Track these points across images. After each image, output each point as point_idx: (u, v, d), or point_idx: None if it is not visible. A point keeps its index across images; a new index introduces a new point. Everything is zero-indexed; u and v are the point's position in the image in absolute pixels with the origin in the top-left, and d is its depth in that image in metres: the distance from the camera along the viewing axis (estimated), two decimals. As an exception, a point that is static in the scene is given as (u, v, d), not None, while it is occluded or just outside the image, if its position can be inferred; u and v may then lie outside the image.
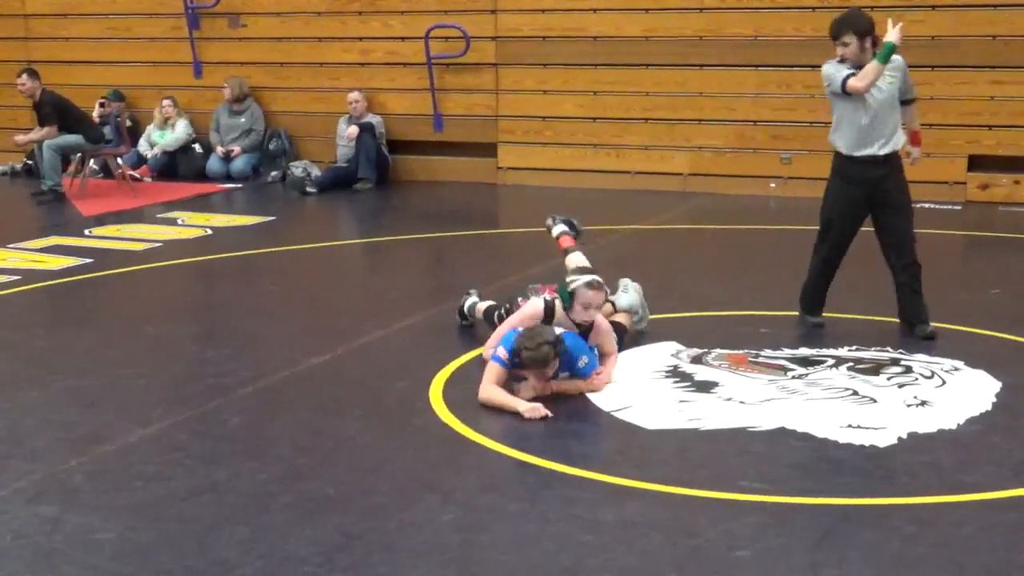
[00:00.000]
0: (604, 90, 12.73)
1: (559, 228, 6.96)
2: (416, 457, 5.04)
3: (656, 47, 12.47)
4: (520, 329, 5.69)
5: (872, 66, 6.34)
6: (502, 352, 5.61)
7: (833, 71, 6.51)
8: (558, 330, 5.67)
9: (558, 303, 5.93)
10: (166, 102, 13.90)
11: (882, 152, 6.50)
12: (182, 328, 7.40)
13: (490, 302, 6.75)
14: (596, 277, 5.84)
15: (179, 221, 10.94)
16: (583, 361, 5.71)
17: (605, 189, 12.49)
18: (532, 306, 6.01)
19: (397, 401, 5.75)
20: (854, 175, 6.58)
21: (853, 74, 6.38)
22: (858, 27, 6.40)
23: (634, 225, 10.45)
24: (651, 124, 12.62)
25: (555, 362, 5.57)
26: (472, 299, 6.90)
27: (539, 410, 5.38)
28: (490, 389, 5.57)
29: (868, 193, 6.58)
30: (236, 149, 13.63)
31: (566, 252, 6.74)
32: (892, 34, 6.31)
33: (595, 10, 12.66)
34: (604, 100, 12.74)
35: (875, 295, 7.69)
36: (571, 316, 5.83)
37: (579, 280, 5.82)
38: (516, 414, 5.40)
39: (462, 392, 5.77)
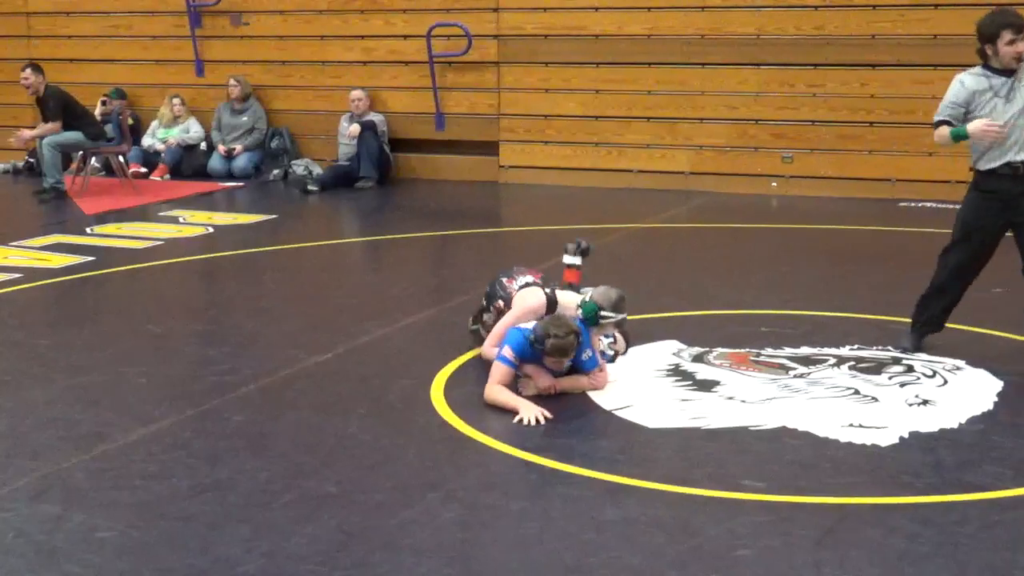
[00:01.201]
0: (606, 88, 12.73)
1: (571, 259, 6.77)
2: (418, 455, 5.04)
3: (658, 45, 12.47)
4: (523, 325, 5.69)
5: (946, 137, 6.10)
6: (508, 352, 5.59)
7: (949, 97, 6.15)
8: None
9: (566, 301, 5.92)
10: (176, 100, 13.90)
11: (1019, 157, 6.01)
12: (184, 326, 7.40)
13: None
14: (625, 315, 5.90)
15: (181, 219, 10.94)
16: (587, 354, 5.70)
17: (606, 188, 12.49)
18: (534, 299, 6.00)
19: (399, 399, 5.74)
20: (989, 187, 6.13)
21: (947, 123, 6.10)
22: None
23: (635, 224, 10.45)
24: (653, 123, 12.62)
25: (573, 353, 5.60)
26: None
27: (539, 415, 5.34)
28: (495, 389, 5.56)
29: (1006, 205, 6.10)
30: (238, 148, 13.64)
31: (567, 285, 6.57)
32: (975, 124, 5.98)
33: (597, 8, 12.67)
34: (606, 99, 12.75)
35: (876, 294, 7.70)
36: (591, 333, 5.82)
37: (612, 318, 5.81)
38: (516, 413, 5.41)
39: (464, 391, 5.77)
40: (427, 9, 13.16)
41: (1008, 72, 6.04)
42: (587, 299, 5.82)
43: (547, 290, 6.03)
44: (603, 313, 5.76)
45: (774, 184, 12.19)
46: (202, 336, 7.27)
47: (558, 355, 5.56)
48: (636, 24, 12.53)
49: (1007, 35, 6.00)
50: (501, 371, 5.61)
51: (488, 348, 5.99)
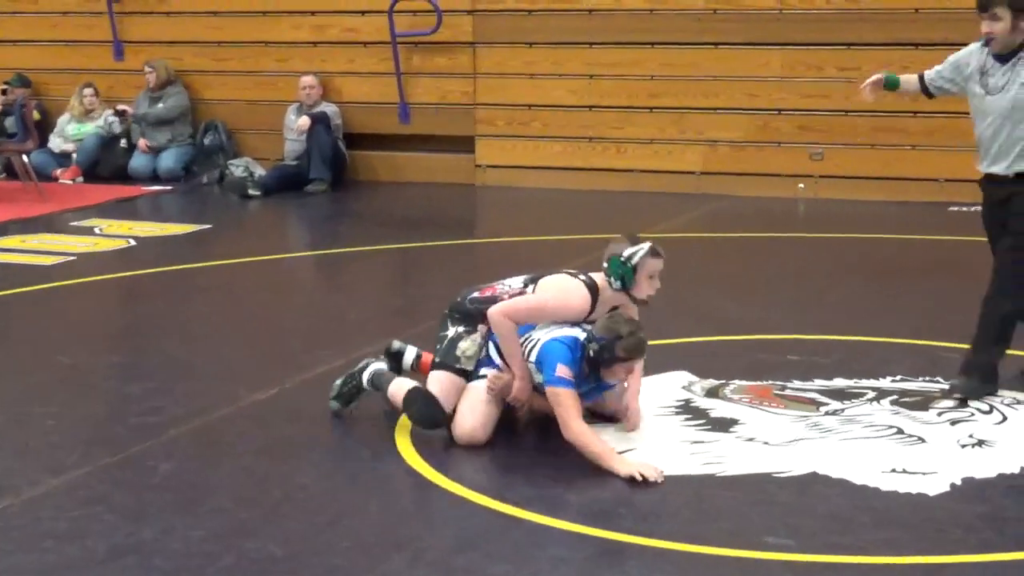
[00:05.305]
0: (602, 74, 12.79)
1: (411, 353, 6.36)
2: (381, 509, 5.05)
3: (663, 22, 12.53)
4: (558, 335, 5.51)
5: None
6: (565, 372, 5.39)
7: (949, 62, 6.42)
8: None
9: (601, 279, 5.73)
10: (87, 91, 13.88)
11: (995, 170, 6.16)
12: (101, 357, 7.40)
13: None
14: (653, 244, 5.71)
15: (97, 230, 10.94)
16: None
17: (603, 191, 12.53)
18: (569, 293, 5.69)
19: (358, 443, 5.75)
20: (984, 192, 6.35)
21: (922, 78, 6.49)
22: (1014, 1, 6.02)
23: (638, 233, 10.47)
24: (657, 113, 12.67)
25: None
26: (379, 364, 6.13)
27: (645, 469, 5.20)
28: (585, 429, 5.36)
29: (992, 215, 6.28)
30: (146, 143, 13.62)
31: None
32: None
33: (590, -22, 12.74)
34: (602, 85, 12.80)
35: (923, 315, 7.74)
36: (634, 293, 5.68)
37: (639, 249, 5.64)
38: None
39: (435, 433, 5.77)
40: (389, -20, 13.23)
41: (1000, 56, 6.10)
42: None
43: (583, 277, 5.76)
44: (625, 253, 5.64)
45: (801, 186, 12.25)
46: (122, 369, 7.27)
47: (638, 355, 5.47)
48: (637, -4, 12.62)
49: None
50: (573, 399, 5.38)
51: (501, 317, 5.59)
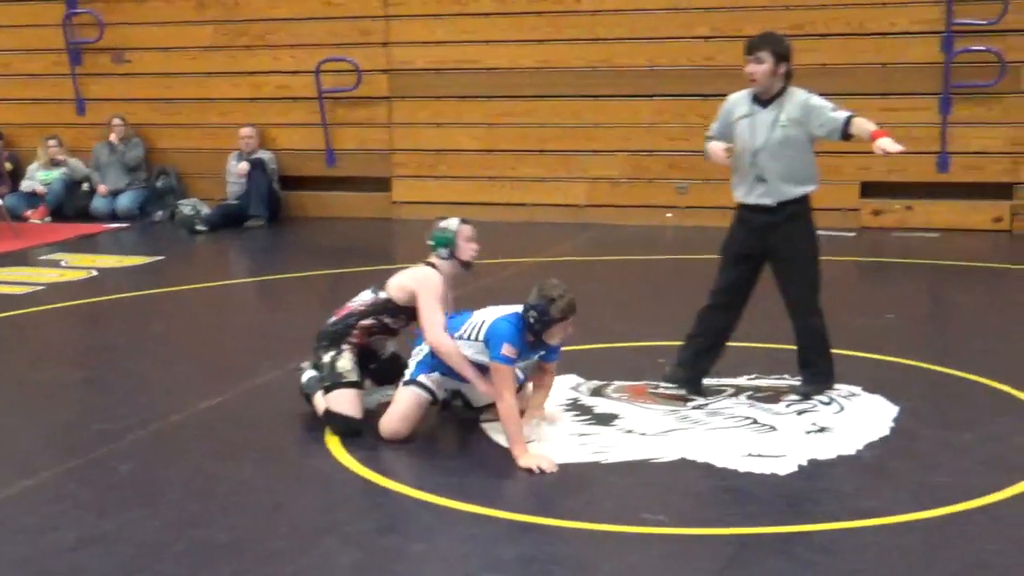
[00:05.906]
0: (499, 122, 12.82)
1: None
2: (313, 499, 5.02)
3: (550, 78, 12.60)
4: (501, 314, 5.53)
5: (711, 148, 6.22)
6: (510, 350, 5.38)
7: (720, 114, 6.28)
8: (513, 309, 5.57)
9: (434, 259, 5.95)
10: (51, 142, 13.65)
11: (762, 201, 6.06)
12: (67, 373, 7.27)
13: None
14: (460, 216, 6.08)
15: (63, 263, 10.76)
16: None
17: (501, 222, 12.52)
18: (426, 280, 5.83)
19: (293, 443, 5.71)
20: (743, 217, 6.20)
21: (713, 138, 6.25)
22: (777, 48, 6.08)
23: (531, 258, 10.51)
24: (546, 155, 12.72)
25: None
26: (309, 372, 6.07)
27: (542, 461, 5.23)
28: (514, 407, 5.37)
29: (750, 239, 6.14)
30: (102, 188, 13.43)
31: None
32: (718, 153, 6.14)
33: (488, 42, 12.76)
34: (499, 132, 12.83)
35: (773, 322, 7.82)
36: (459, 256, 5.94)
37: (452, 221, 6.03)
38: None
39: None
40: (315, 44, 13.14)
41: (761, 100, 6.07)
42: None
43: (421, 266, 5.98)
44: (439, 227, 6.03)
45: (669, 215, 12.35)
46: (87, 383, 7.15)
47: (570, 313, 5.46)
48: (528, 57, 12.65)
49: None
50: (511, 374, 5.43)
51: (439, 342, 5.61)
